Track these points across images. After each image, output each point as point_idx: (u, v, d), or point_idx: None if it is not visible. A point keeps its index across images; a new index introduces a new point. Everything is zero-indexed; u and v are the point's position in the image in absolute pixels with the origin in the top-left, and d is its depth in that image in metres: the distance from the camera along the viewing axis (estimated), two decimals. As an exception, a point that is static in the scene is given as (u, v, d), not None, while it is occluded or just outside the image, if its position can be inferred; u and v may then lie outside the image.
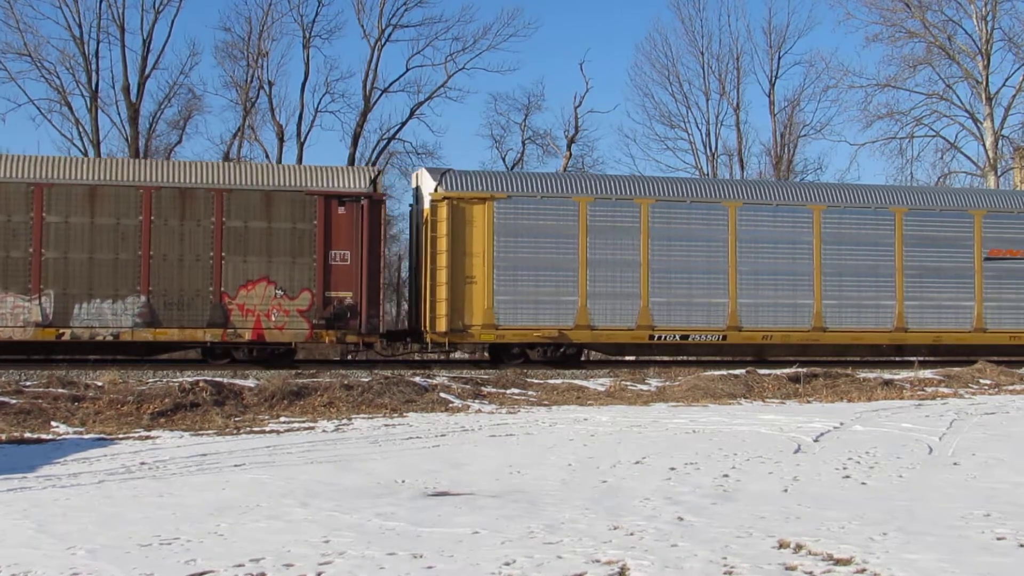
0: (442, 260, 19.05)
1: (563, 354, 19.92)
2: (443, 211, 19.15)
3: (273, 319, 18.36)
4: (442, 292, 18.95)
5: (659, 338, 20.10)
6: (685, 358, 21.87)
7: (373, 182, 18.87)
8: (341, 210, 18.61)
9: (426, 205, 19.49)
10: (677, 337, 20.17)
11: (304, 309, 18.44)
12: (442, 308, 18.95)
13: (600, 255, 19.78)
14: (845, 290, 20.93)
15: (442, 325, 18.93)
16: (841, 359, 22.07)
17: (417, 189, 20.68)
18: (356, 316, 18.55)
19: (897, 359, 22.40)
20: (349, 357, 21.79)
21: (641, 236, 19.97)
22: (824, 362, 21.40)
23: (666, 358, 21.50)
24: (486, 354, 21.13)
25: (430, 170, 20.11)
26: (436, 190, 19.25)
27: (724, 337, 20.27)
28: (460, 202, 19.27)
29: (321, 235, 18.51)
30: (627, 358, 21.79)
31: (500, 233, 19.37)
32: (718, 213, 20.35)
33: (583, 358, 21.51)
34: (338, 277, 18.54)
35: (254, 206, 18.42)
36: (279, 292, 18.40)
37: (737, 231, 20.39)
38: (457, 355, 22.72)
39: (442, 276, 19.01)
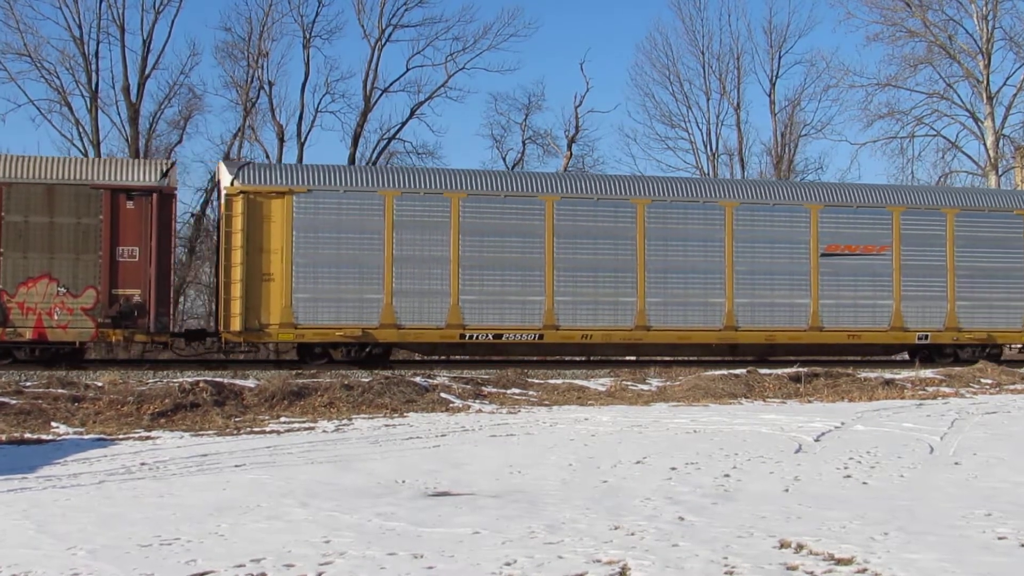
0: (237, 257, 18.44)
1: (369, 354, 19.25)
2: (238, 206, 18.50)
3: (56, 318, 17.85)
4: (236, 290, 18.37)
5: (471, 337, 19.44)
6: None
7: (165, 175, 18.27)
8: (129, 204, 18.09)
9: (222, 200, 18.89)
10: (490, 336, 19.52)
11: (89, 307, 17.93)
12: (236, 307, 18.36)
13: (408, 251, 19.17)
14: (671, 287, 20.25)
15: (236, 324, 18.36)
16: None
17: (217, 184, 20.10)
18: (145, 314, 17.99)
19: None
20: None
21: (451, 231, 19.37)
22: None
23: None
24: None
25: (227, 163, 19.62)
26: (232, 184, 18.60)
27: (541, 336, 19.67)
28: (257, 196, 18.61)
29: (107, 230, 17.95)
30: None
31: (300, 229, 18.75)
32: (534, 207, 19.74)
33: (392, 358, 20.79)
34: (126, 274, 18.03)
35: (36, 200, 17.85)
36: (62, 290, 17.88)
37: (555, 225, 19.76)
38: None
39: (237, 273, 18.40)
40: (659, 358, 21.40)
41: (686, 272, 20.34)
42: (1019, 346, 23.16)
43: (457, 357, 21.16)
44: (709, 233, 20.48)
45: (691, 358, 21.55)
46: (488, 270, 19.57)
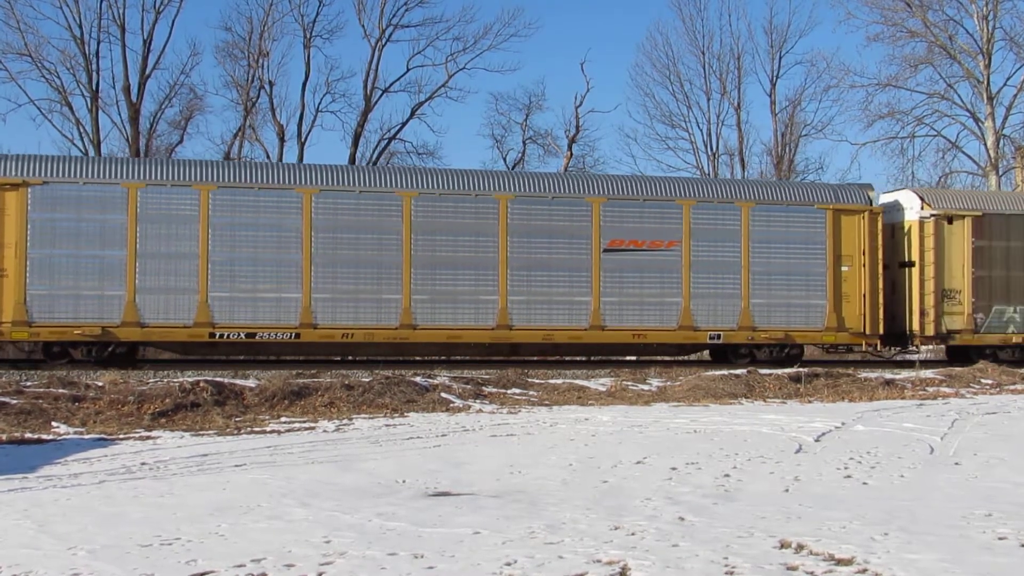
0: None
1: (112, 353, 18.41)
2: None
3: None
4: None
5: (222, 336, 18.62)
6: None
7: None
8: None
9: None
10: (243, 335, 18.67)
11: None
12: None
13: (153, 247, 18.33)
14: (439, 283, 19.37)
15: None
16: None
17: None
18: None
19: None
20: None
21: (200, 225, 18.49)
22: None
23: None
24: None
25: None
26: None
27: (297, 335, 18.87)
28: None
29: None
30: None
31: (36, 221, 17.92)
32: (291, 200, 18.95)
33: (140, 356, 20.15)
34: None
35: None
36: None
37: (312, 220, 18.92)
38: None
39: None
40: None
41: (456, 268, 19.46)
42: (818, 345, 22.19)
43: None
44: (483, 227, 19.57)
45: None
46: (240, 265, 18.72)
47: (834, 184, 22.19)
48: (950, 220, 21.59)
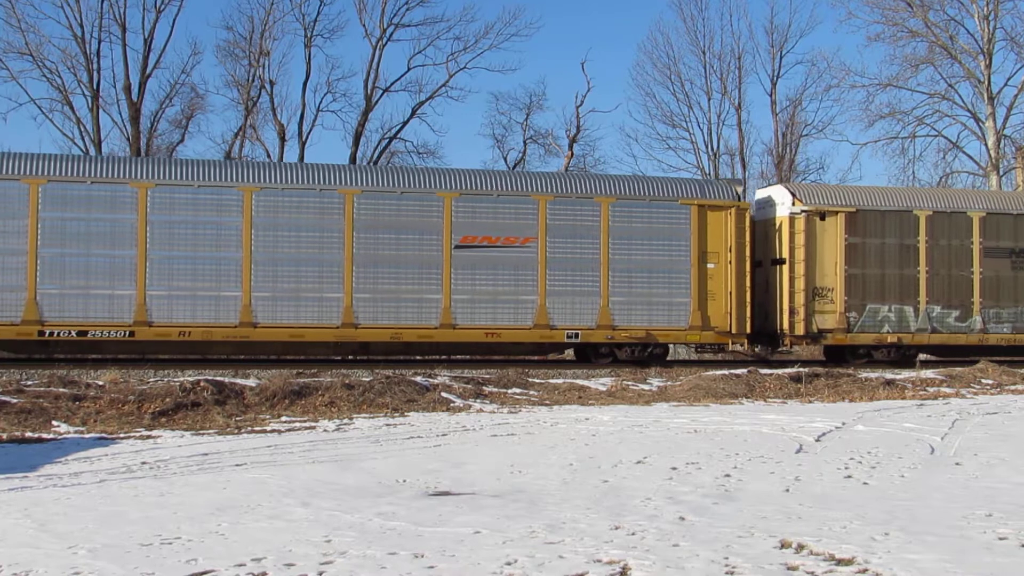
0: None
1: None
2: None
3: None
4: None
5: (52, 334, 18.00)
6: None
7: None
8: None
9: None
10: (74, 333, 18.07)
11: None
12: None
13: None
14: (281, 281, 18.88)
15: None
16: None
17: None
18: None
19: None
20: None
21: (29, 218, 17.95)
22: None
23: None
24: None
25: None
26: None
27: (132, 333, 18.30)
28: None
29: None
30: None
31: None
32: (124, 194, 18.45)
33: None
34: None
35: None
36: None
37: (148, 214, 18.43)
38: None
39: None
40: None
41: (299, 264, 18.96)
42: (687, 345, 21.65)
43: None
44: (325, 223, 19.11)
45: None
46: (72, 259, 18.14)
47: (700, 179, 21.73)
48: (822, 216, 21.02)
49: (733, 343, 20.57)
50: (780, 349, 22.36)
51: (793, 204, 20.98)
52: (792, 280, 20.86)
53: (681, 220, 20.27)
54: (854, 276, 21.08)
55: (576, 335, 19.93)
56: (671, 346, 21.61)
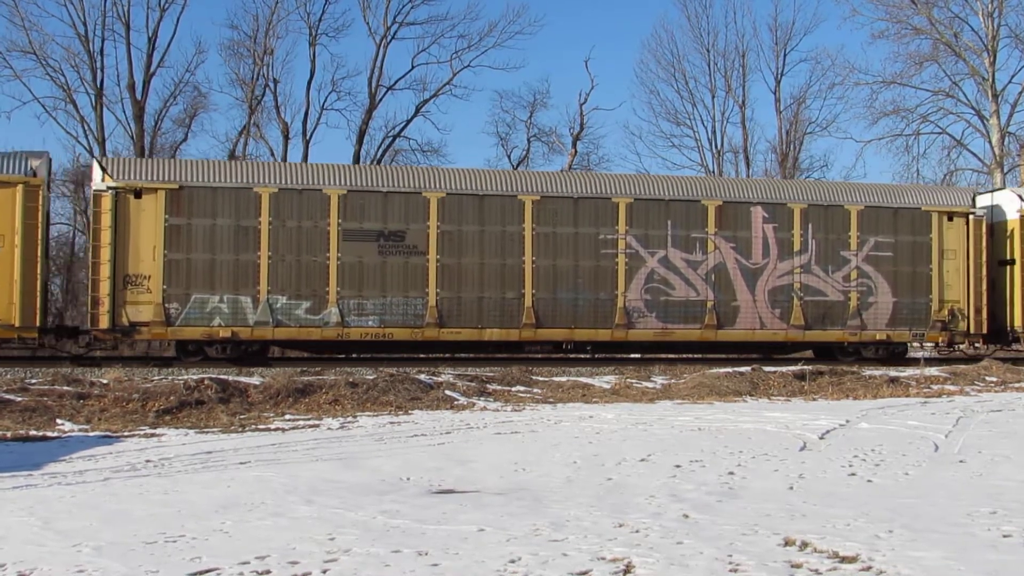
0: None
1: None
2: None
3: None
4: None
5: None
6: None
7: None
8: None
9: None
10: None
11: None
12: None
13: None
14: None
15: None
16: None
17: None
18: None
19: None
20: None
21: None
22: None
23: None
24: None
25: None
26: None
27: None
28: None
29: None
30: (635, 356, 21.19)
31: None
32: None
33: None
34: None
35: None
36: None
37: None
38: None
39: None
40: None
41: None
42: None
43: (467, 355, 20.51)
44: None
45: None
46: None
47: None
48: (138, 194, 18.83)
49: (21, 336, 18.31)
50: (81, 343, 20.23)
51: (103, 180, 18.83)
52: (97, 267, 18.69)
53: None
54: (176, 262, 18.92)
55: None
56: None
